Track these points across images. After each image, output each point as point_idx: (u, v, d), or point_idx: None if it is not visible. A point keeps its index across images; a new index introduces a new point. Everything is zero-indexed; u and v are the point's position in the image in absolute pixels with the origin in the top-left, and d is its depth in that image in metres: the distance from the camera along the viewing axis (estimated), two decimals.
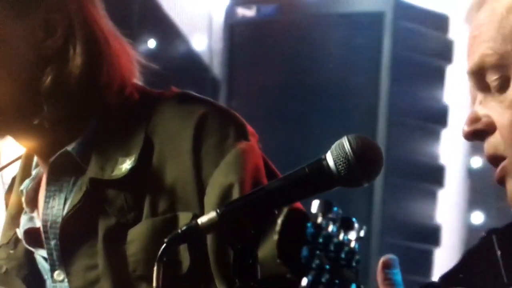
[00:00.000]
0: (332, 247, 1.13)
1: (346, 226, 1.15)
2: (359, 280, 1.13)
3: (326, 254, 1.12)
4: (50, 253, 1.61)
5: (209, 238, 1.50)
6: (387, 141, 3.35)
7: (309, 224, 1.12)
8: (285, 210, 1.15)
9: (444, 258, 3.74)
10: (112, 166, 1.56)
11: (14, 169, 1.83)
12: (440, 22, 3.66)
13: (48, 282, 1.63)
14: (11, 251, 1.66)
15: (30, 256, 1.64)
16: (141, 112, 1.59)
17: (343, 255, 1.13)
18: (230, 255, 1.49)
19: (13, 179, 1.72)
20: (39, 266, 1.64)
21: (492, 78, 1.29)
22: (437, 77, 3.63)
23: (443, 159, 3.71)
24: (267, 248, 1.46)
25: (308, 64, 3.43)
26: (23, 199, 1.65)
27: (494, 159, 1.31)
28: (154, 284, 1.33)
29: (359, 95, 3.42)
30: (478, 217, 3.87)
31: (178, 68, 3.59)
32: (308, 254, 1.11)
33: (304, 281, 1.10)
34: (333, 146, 1.32)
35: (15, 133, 1.61)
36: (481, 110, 1.31)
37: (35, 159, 1.68)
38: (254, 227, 1.33)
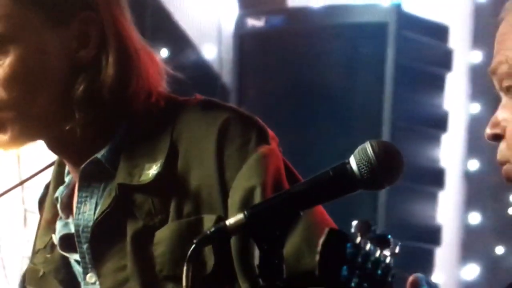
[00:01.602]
0: (369, 265, 1.13)
1: (382, 243, 1.16)
2: None
3: (364, 272, 1.12)
4: (82, 257, 1.61)
5: (233, 239, 1.49)
6: None
7: (349, 245, 1.12)
8: (326, 230, 1.15)
9: (443, 257, 3.74)
10: (140, 171, 1.56)
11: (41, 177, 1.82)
12: (440, 32, 3.67)
13: (82, 284, 1.63)
14: (48, 256, 1.66)
15: (66, 260, 1.65)
16: (166, 119, 1.59)
17: (379, 272, 1.13)
18: (253, 255, 1.49)
19: (47, 186, 1.73)
20: (74, 269, 1.64)
21: (505, 84, 1.32)
22: (438, 84, 3.63)
23: (443, 163, 3.72)
24: (288, 248, 1.45)
25: (315, 72, 3.43)
26: (58, 205, 1.65)
27: (500, 163, 1.34)
28: (184, 284, 1.32)
29: (364, 101, 3.42)
30: (475, 218, 3.88)
31: (189, 76, 3.57)
32: (348, 274, 1.11)
33: None
34: (356, 151, 1.33)
35: (47, 139, 1.61)
36: (501, 115, 1.33)
37: (67, 166, 1.67)
38: (279, 228, 1.33)
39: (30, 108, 1.56)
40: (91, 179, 1.60)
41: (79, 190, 1.61)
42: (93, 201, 1.60)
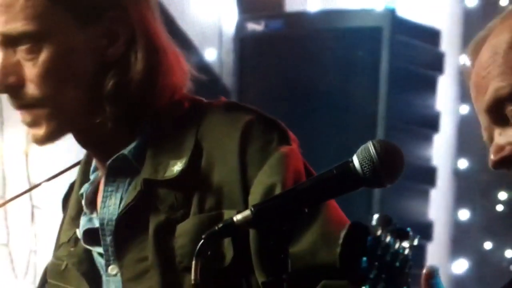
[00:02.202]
0: (388, 257, 1.14)
1: (402, 236, 1.16)
2: (409, 284, 1.14)
3: (382, 264, 1.13)
4: (106, 249, 1.62)
5: (251, 233, 1.51)
6: None
7: (369, 238, 1.13)
8: (348, 224, 1.17)
9: (434, 252, 3.75)
10: (164, 168, 1.58)
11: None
12: (432, 36, 3.68)
13: (103, 276, 1.64)
14: (72, 249, 1.67)
15: (88, 254, 1.66)
16: (192, 119, 1.61)
17: (397, 263, 1.14)
18: (270, 250, 1.50)
19: (71, 185, 1.74)
20: (96, 262, 1.66)
21: (509, 107, 1.29)
22: (430, 86, 3.64)
23: (435, 161, 3.72)
24: (305, 244, 1.45)
25: (313, 74, 3.44)
26: (83, 202, 1.67)
27: None
28: (192, 277, 1.33)
29: (360, 102, 3.44)
30: (464, 214, 3.90)
31: (192, 77, 3.57)
32: (367, 265, 1.12)
33: None
34: (358, 150, 1.36)
35: (78, 133, 1.63)
36: (502, 140, 1.31)
37: (93, 164, 1.69)
38: (285, 224, 1.33)
39: (62, 104, 1.58)
40: (117, 174, 1.62)
41: (105, 185, 1.63)
42: (118, 195, 1.62)
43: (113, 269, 1.61)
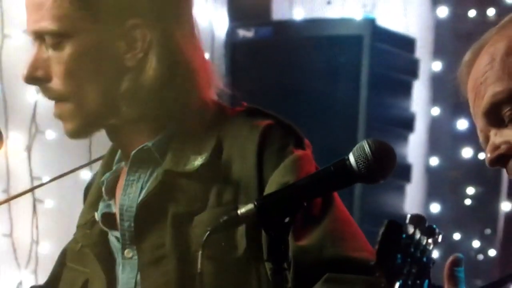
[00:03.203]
0: (418, 253, 1.15)
1: (430, 233, 1.17)
2: (430, 277, 1.15)
3: (413, 259, 1.14)
4: (123, 234, 1.63)
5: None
6: None
7: (404, 235, 1.14)
8: (385, 222, 1.17)
9: None
10: (185, 161, 1.58)
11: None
12: (408, 44, 3.71)
13: (118, 259, 1.65)
14: (88, 231, 1.68)
15: (104, 237, 1.67)
16: (215, 120, 1.61)
17: (424, 258, 1.15)
18: (272, 241, 1.50)
19: (95, 175, 1.75)
20: (111, 245, 1.66)
21: (505, 110, 1.30)
22: (406, 90, 3.67)
23: (410, 159, 3.75)
24: (312, 240, 1.47)
25: (299, 78, 3.46)
26: (103, 188, 1.67)
27: None
28: (199, 266, 1.33)
29: (343, 105, 3.46)
30: (435, 208, 3.92)
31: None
32: (401, 261, 1.13)
33: (396, 285, 1.10)
34: (354, 148, 1.37)
35: (105, 131, 1.64)
36: (498, 139, 1.30)
37: (117, 156, 1.70)
38: (286, 217, 1.34)
39: (82, 102, 1.58)
40: (139, 165, 1.62)
41: (127, 174, 1.64)
42: (139, 185, 1.62)
43: (128, 252, 1.61)
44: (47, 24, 1.56)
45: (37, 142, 3.27)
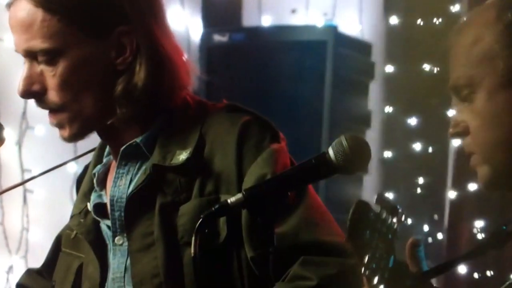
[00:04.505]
0: (384, 230, 1.16)
1: (394, 212, 1.19)
2: (395, 253, 1.17)
3: (380, 235, 1.16)
4: (113, 223, 1.62)
5: (243, 214, 1.52)
6: (329, 139, 3.40)
7: (371, 213, 1.14)
8: (355, 201, 1.18)
9: None
10: (172, 156, 1.58)
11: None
12: (365, 48, 3.74)
13: (110, 245, 1.64)
14: (82, 220, 1.67)
15: (96, 225, 1.66)
16: (197, 116, 1.61)
17: (390, 235, 1.16)
18: (255, 227, 1.51)
19: (86, 167, 1.73)
20: (103, 233, 1.65)
21: (464, 93, 1.33)
22: (363, 90, 3.70)
23: None
24: (289, 226, 1.48)
25: (270, 79, 3.47)
26: (94, 180, 1.66)
27: (468, 154, 1.35)
28: (192, 251, 1.34)
29: (309, 104, 3.47)
30: (390, 196, 3.95)
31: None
32: (369, 236, 1.15)
33: (366, 258, 1.11)
34: (333, 143, 1.37)
35: (97, 130, 1.63)
36: (460, 117, 1.32)
37: (107, 149, 1.69)
38: (272, 205, 1.35)
39: (80, 109, 1.57)
40: (128, 159, 1.62)
41: (117, 167, 1.63)
42: (128, 177, 1.61)
43: (119, 239, 1.60)
44: (39, 43, 1.53)
45: (27, 137, 3.24)
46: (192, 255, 1.33)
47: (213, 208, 1.35)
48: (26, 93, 1.56)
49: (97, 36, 1.54)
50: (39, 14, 1.52)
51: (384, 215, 1.16)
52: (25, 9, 1.53)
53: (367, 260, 1.11)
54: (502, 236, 1.23)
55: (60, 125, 1.58)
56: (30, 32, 1.53)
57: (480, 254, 1.25)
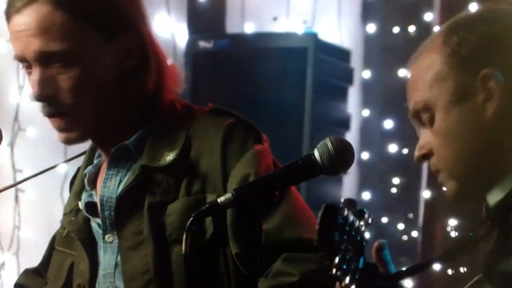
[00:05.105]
0: (353, 232, 1.16)
1: (360, 215, 1.19)
2: (365, 255, 1.17)
3: (349, 238, 1.15)
4: (104, 221, 1.61)
5: (228, 212, 1.52)
6: (310, 141, 3.41)
7: (339, 216, 1.15)
8: (323, 206, 1.18)
9: None
10: (159, 157, 1.57)
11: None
12: (344, 55, 3.75)
13: (100, 243, 1.64)
14: (73, 218, 1.67)
15: (87, 223, 1.66)
16: (184, 120, 1.61)
17: (358, 237, 1.16)
18: (243, 226, 1.51)
19: (78, 168, 1.72)
20: (93, 231, 1.65)
21: (424, 117, 1.36)
22: (343, 94, 3.71)
23: None
24: (272, 224, 1.48)
25: (253, 84, 3.47)
26: (85, 180, 1.65)
27: (435, 173, 1.37)
28: (183, 248, 1.34)
29: (290, 107, 3.48)
30: (366, 195, 3.98)
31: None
32: (339, 239, 1.14)
33: (336, 259, 1.12)
34: (318, 145, 1.38)
35: (96, 133, 1.61)
36: (423, 140, 1.36)
37: (98, 151, 1.68)
38: (260, 205, 1.35)
39: (91, 111, 1.55)
40: (118, 160, 1.61)
41: (107, 169, 1.62)
42: (118, 178, 1.61)
43: (109, 237, 1.60)
44: (57, 45, 1.51)
45: (19, 139, 3.22)
46: (184, 252, 1.33)
47: (203, 207, 1.35)
48: (42, 97, 1.53)
49: (109, 40, 1.53)
50: (58, 16, 1.50)
51: (351, 218, 1.16)
52: (42, 11, 1.51)
53: (338, 262, 1.12)
54: (470, 242, 1.25)
55: (67, 129, 1.56)
56: (48, 34, 1.50)
57: (450, 260, 1.27)
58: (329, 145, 1.35)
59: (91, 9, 1.51)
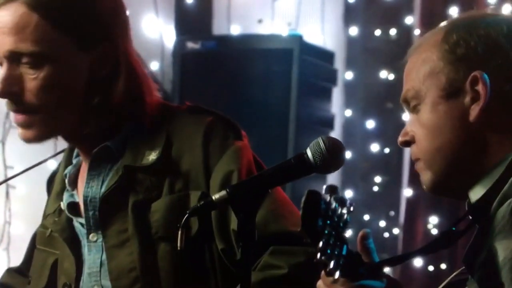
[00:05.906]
0: (335, 219, 1.15)
1: (342, 203, 1.17)
2: (347, 243, 1.15)
3: (332, 224, 1.13)
4: (87, 221, 1.58)
5: (213, 212, 1.51)
6: (295, 140, 3.41)
7: (322, 202, 1.13)
8: (306, 192, 1.15)
9: None
10: (142, 157, 1.55)
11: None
12: (328, 56, 3.75)
13: (83, 242, 1.60)
14: (56, 219, 1.63)
15: (70, 223, 1.62)
16: (163, 119, 1.58)
17: (341, 224, 1.15)
18: (227, 222, 1.50)
19: (56, 168, 1.70)
20: (77, 230, 1.61)
21: (413, 104, 1.36)
22: (327, 95, 3.71)
23: None
24: (258, 218, 1.48)
25: (239, 84, 3.45)
26: (66, 180, 1.62)
27: (414, 160, 1.37)
28: (178, 244, 1.33)
29: (276, 107, 3.46)
30: (349, 193, 3.99)
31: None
32: (322, 224, 1.13)
33: (320, 244, 1.12)
34: (311, 144, 1.36)
35: (66, 136, 1.58)
36: (409, 127, 1.36)
37: (76, 151, 1.64)
38: (253, 201, 1.34)
39: (55, 114, 1.51)
40: (100, 161, 1.57)
41: (89, 169, 1.58)
42: (100, 178, 1.58)
43: (93, 236, 1.57)
44: (28, 46, 1.48)
45: (11, 136, 3.20)
46: (178, 248, 1.32)
47: (198, 205, 1.34)
48: (6, 94, 1.50)
49: (85, 48, 1.51)
50: (34, 18, 1.48)
51: (334, 204, 1.16)
52: (18, 12, 1.49)
53: (322, 246, 1.10)
54: (451, 236, 1.25)
55: (27, 125, 1.52)
56: (21, 34, 1.49)
57: (432, 252, 1.27)
58: (322, 144, 1.33)
59: (68, 17, 1.49)
